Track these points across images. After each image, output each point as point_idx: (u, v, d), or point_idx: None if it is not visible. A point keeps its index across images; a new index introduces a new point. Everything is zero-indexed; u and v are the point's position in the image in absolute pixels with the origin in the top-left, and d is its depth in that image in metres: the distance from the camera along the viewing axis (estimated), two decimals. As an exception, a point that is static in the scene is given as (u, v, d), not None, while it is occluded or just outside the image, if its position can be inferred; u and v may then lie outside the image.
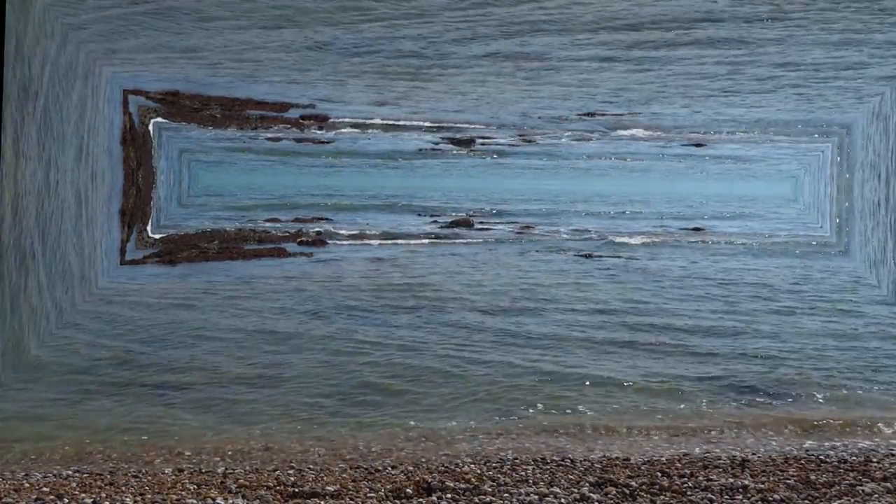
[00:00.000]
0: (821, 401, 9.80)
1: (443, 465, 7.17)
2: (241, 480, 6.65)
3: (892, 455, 7.47)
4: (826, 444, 8.08)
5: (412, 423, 8.85)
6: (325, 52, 14.36)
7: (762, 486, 6.46)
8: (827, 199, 22.03)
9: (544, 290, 16.65)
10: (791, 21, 12.40)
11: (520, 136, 22.06)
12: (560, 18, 12.73)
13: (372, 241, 22.28)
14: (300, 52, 14.39)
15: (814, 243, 21.93)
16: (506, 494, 6.25)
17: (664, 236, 23.76)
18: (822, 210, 22.62)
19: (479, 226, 24.43)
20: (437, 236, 23.09)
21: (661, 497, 6.24)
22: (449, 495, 6.25)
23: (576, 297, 15.86)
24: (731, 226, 25.13)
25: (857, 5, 11.91)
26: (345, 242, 22.07)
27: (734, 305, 15.38)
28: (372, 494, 6.26)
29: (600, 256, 20.91)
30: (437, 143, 22.71)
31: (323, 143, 22.64)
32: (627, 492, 6.32)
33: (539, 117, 19.57)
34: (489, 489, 6.38)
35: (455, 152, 23.16)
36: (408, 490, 6.35)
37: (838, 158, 20.46)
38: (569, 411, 9.27)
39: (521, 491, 6.31)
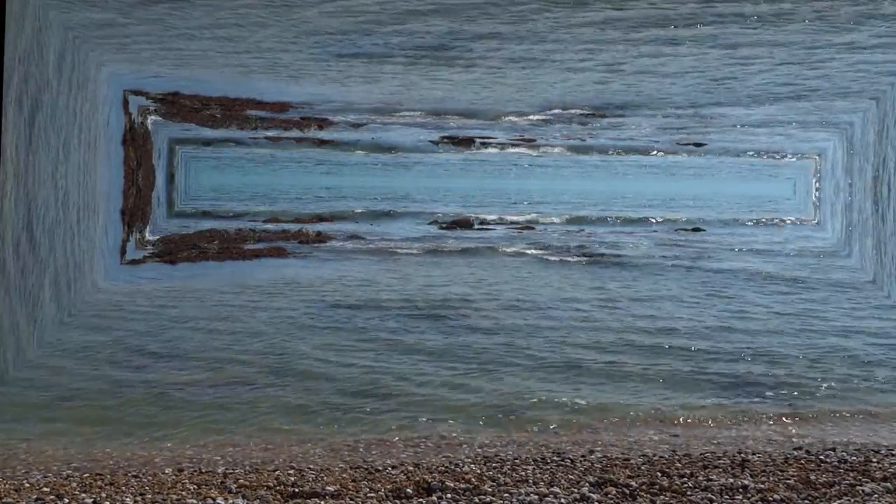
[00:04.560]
0: (821, 400, 9.80)
1: (443, 465, 7.17)
2: (241, 480, 6.65)
3: (892, 455, 7.47)
4: (826, 444, 8.08)
5: (415, 422, 8.86)
6: (325, 50, 14.36)
7: (762, 486, 6.46)
8: (832, 199, 21.69)
9: (544, 289, 16.67)
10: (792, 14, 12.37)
11: (520, 136, 22.07)
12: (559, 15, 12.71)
13: (372, 242, 22.27)
14: (300, 50, 14.39)
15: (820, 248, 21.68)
16: (506, 494, 6.25)
17: (664, 237, 23.74)
18: (828, 212, 22.32)
19: (479, 226, 24.44)
20: (437, 237, 23.09)
21: (661, 497, 6.24)
22: (449, 495, 6.25)
23: (576, 297, 15.86)
24: (731, 232, 25.06)
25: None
26: (345, 243, 22.06)
27: (733, 305, 15.38)
28: (372, 494, 6.26)
29: (601, 255, 20.92)
30: (437, 143, 22.71)
31: (323, 142, 22.64)
32: (627, 492, 6.32)
33: (544, 116, 19.56)
34: (489, 489, 6.38)
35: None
36: (408, 490, 6.35)
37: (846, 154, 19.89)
38: (568, 411, 9.27)
39: (521, 491, 6.31)
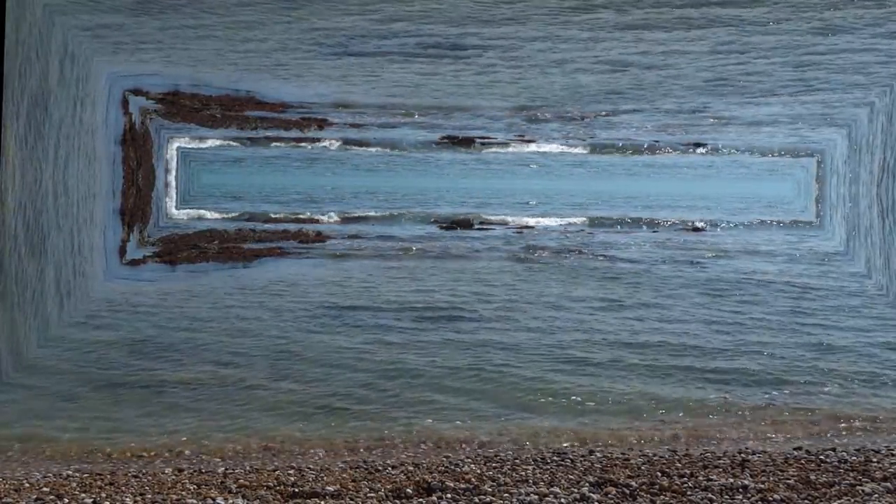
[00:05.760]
0: (821, 400, 9.80)
1: (443, 465, 7.17)
2: (241, 480, 6.65)
3: (892, 455, 7.47)
4: (826, 444, 8.08)
5: (416, 422, 8.86)
6: (325, 50, 14.36)
7: (762, 486, 6.46)
8: (834, 200, 21.48)
9: (543, 292, 16.68)
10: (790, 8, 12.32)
11: (519, 136, 22.07)
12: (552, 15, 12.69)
13: (372, 241, 22.27)
14: (300, 49, 14.39)
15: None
16: (506, 494, 6.25)
17: (664, 237, 23.73)
18: (830, 215, 22.10)
19: (479, 226, 24.44)
20: (436, 237, 23.08)
21: (661, 497, 6.24)
22: (449, 495, 6.25)
23: (574, 297, 15.87)
24: (732, 232, 24.96)
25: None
26: (344, 243, 22.06)
27: (733, 307, 15.37)
28: (372, 494, 6.26)
29: (600, 256, 20.91)
30: (437, 143, 22.72)
31: (323, 142, 22.64)
32: (627, 492, 6.32)
33: (544, 115, 19.54)
34: (489, 489, 6.38)
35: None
36: (408, 490, 6.35)
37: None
38: (569, 411, 9.27)
39: (521, 491, 6.31)
